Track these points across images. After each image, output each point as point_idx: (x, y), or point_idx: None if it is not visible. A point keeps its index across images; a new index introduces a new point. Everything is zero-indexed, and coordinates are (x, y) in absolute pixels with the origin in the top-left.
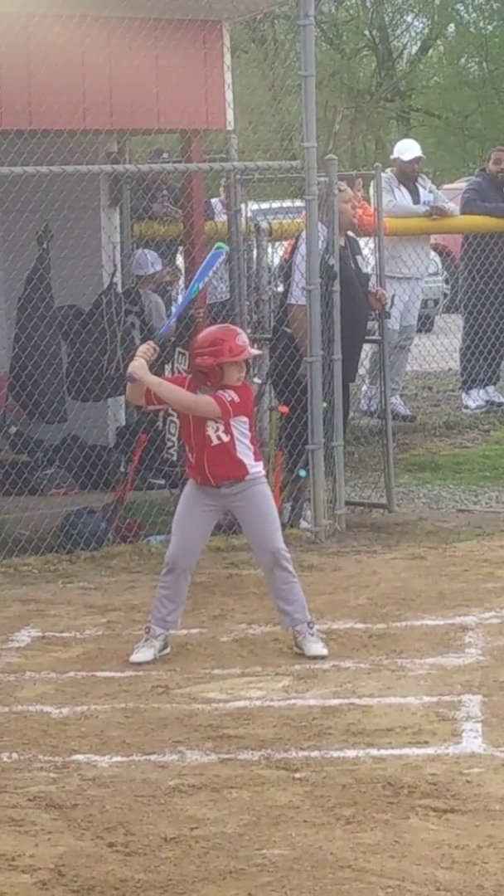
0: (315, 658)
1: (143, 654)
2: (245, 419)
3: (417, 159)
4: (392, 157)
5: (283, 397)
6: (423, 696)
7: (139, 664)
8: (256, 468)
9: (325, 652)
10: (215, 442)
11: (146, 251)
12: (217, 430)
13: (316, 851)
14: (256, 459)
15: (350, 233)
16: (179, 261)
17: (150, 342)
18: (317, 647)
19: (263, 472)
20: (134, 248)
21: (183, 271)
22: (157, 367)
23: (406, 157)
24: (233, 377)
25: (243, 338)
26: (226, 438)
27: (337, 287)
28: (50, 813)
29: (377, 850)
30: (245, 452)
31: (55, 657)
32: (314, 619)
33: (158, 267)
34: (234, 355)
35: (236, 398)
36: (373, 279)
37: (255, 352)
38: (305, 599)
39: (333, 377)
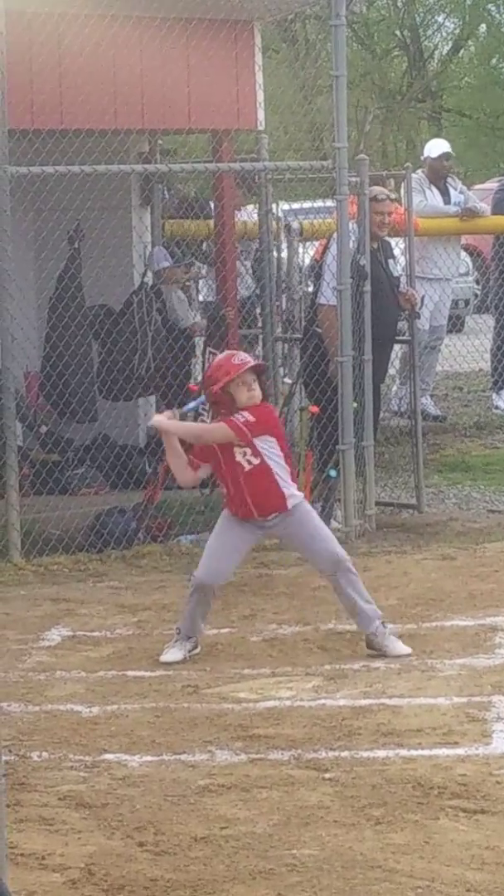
0: (400, 657)
1: (173, 654)
2: (271, 439)
3: (446, 155)
4: (422, 157)
5: (314, 397)
6: (453, 696)
7: (170, 664)
8: (293, 490)
9: (409, 650)
10: (247, 467)
11: (157, 248)
12: (245, 454)
13: (346, 852)
14: (293, 481)
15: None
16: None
17: (173, 411)
18: (401, 646)
19: (300, 493)
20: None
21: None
22: (186, 367)
23: (434, 153)
24: (242, 397)
25: (240, 356)
26: (256, 461)
27: (368, 287)
28: (80, 812)
29: (407, 851)
30: (282, 475)
31: (85, 656)
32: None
33: (166, 263)
34: (232, 374)
35: (250, 418)
36: (403, 279)
37: (252, 362)
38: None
39: (364, 377)
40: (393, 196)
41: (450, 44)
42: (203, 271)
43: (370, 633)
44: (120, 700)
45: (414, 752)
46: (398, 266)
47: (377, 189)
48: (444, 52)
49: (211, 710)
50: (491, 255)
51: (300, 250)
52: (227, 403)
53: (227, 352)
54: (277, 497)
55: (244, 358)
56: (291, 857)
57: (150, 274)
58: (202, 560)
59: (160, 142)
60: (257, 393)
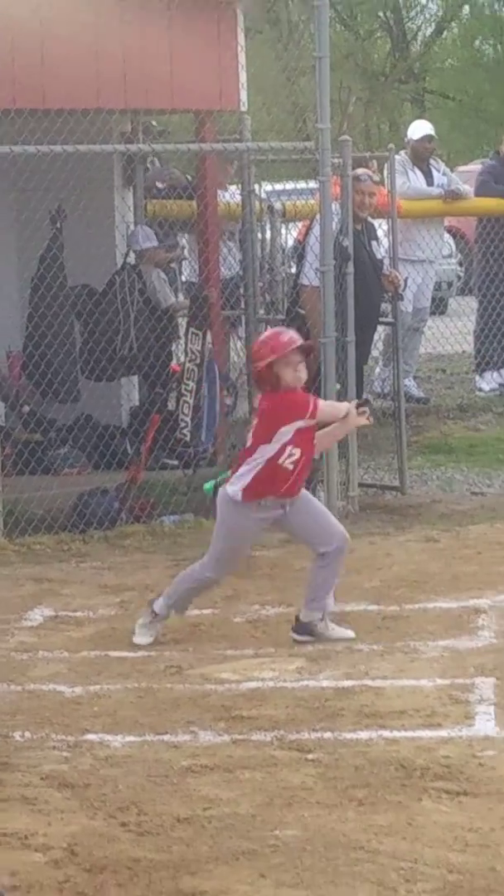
0: (347, 640)
1: (147, 636)
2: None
3: (428, 137)
4: (406, 139)
5: None
6: (436, 678)
7: (144, 646)
8: None
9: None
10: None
11: (140, 227)
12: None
13: (328, 833)
14: None
15: (368, 217)
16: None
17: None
18: (346, 630)
19: None
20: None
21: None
22: (168, 347)
23: (416, 135)
24: (288, 376)
25: (289, 334)
26: None
27: (351, 269)
28: (63, 792)
29: (390, 832)
30: None
31: (68, 636)
32: None
33: (152, 243)
34: (278, 352)
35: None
36: (386, 261)
37: (300, 342)
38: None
39: (347, 359)
40: (376, 178)
41: (433, 25)
42: (185, 251)
43: (318, 618)
44: (103, 680)
45: (397, 734)
46: (381, 248)
47: (361, 170)
48: (428, 33)
49: (194, 690)
50: (474, 237)
51: (283, 231)
52: (271, 382)
53: (274, 329)
54: None
55: (293, 336)
56: (274, 837)
57: (132, 254)
58: (215, 561)
59: (153, 122)
60: (303, 374)
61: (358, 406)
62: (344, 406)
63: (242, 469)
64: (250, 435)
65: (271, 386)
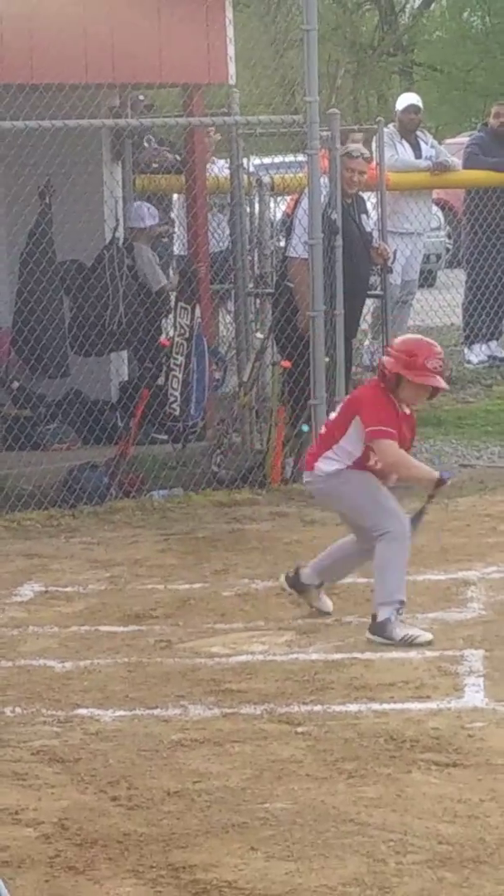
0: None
1: (422, 633)
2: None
3: (413, 108)
4: (394, 112)
5: (286, 352)
6: (425, 650)
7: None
8: None
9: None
10: None
11: (144, 204)
12: None
13: (318, 805)
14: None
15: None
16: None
17: None
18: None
19: None
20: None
21: (178, 223)
22: (157, 322)
23: (401, 106)
24: (409, 394)
25: (436, 362)
26: None
27: (339, 242)
28: (53, 767)
29: (379, 804)
30: None
31: (58, 611)
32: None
33: (154, 221)
34: (413, 373)
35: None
36: (375, 234)
37: (438, 383)
38: (314, 555)
39: (335, 332)
40: (367, 154)
41: None
42: (176, 226)
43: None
44: (93, 655)
45: (386, 706)
46: (370, 221)
47: (354, 145)
48: (416, 5)
49: (184, 664)
50: (462, 209)
51: (272, 205)
52: (389, 384)
53: (430, 343)
54: None
55: (437, 367)
56: (264, 810)
57: (121, 229)
58: (385, 518)
59: (141, 97)
60: (423, 398)
61: (437, 484)
62: (427, 472)
63: (329, 463)
64: (337, 410)
65: (387, 386)
